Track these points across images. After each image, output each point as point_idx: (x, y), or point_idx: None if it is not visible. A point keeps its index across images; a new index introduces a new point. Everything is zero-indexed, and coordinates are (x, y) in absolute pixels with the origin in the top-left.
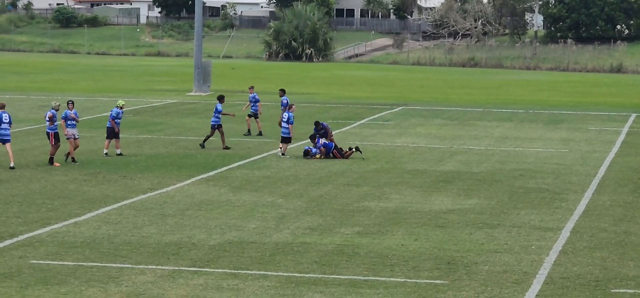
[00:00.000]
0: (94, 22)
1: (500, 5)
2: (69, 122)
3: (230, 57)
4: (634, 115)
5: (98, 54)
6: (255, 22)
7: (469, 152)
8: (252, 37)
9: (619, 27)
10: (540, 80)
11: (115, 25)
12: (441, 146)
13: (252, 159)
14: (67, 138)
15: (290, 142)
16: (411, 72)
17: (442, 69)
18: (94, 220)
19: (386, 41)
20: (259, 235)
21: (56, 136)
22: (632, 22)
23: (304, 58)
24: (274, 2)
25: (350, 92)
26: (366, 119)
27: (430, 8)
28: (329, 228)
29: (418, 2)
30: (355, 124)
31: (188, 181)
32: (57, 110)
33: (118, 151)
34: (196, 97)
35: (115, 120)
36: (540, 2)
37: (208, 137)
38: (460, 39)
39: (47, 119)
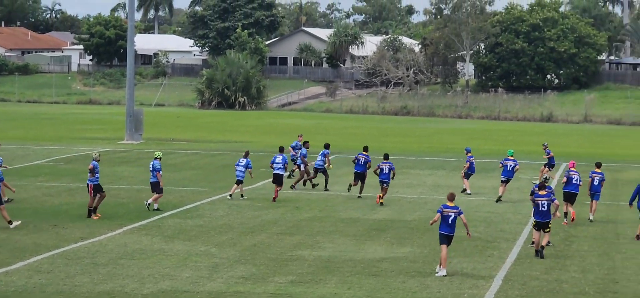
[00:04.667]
0: (25, 69)
1: (432, 54)
2: None
3: (163, 105)
4: (563, 163)
5: (29, 101)
6: (188, 70)
7: (402, 200)
8: (184, 85)
9: (548, 76)
10: (471, 128)
11: (46, 73)
12: (374, 195)
13: (185, 208)
14: None
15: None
16: (344, 120)
17: (375, 117)
18: (26, 269)
19: (319, 89)
20: (192, 284)
21: (96, 188)
22: (561, 71)
23: (237, 106)
24: (206, 50)
25: (283, 140)
26: None
27: (363, 57)
28: (263, 277)
29: (351, 51)
30: (288, 173)
31: (120, 230)
32: (98, 161)
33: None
34: (128, 145)
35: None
36: (471, 52)
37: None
38: (393, 88)
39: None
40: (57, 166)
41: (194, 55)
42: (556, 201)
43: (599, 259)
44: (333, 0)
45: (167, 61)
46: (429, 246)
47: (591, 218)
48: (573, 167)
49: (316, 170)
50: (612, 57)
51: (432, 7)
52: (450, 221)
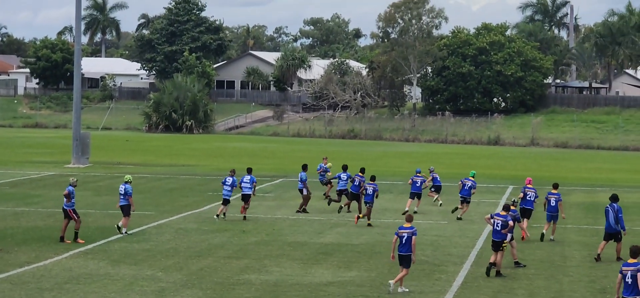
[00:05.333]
0: None
1: (379, 78)
2: None
3: (110, 128)
4: (511, 187)
5: None
6: (135, 94)
7: (349, 224)
8: (131, 108)
9: (495, 99)
10: (419, 152)
11: None
12: (321, 218)
13: (131, 231)
14: None
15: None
16: (291, 143)
17: (322, 141)
18: None
19: (266, 112)
20: None
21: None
22: (508, 95)
23: (184, 130)
24: (153, 74)
25: (230, 163)
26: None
27: (310, 80)
28: None
29: (298, 74)
30: (235, 197)
31: (66, 255)
32: (75, 186)
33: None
34: (74, 169)
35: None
36: (419, 75)
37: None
38: (340, 111)
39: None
40: (2, 190)
41: (141, 78)
42: (511, 223)
43: (546, 282)
44: (280, 23)
45: (114, 85)
46: (376, 270)
47: (552, 238)
48: (530, 184)
49: (342, 192)
50: (558, 81)
51: (379, 30)
52: (403, 241)
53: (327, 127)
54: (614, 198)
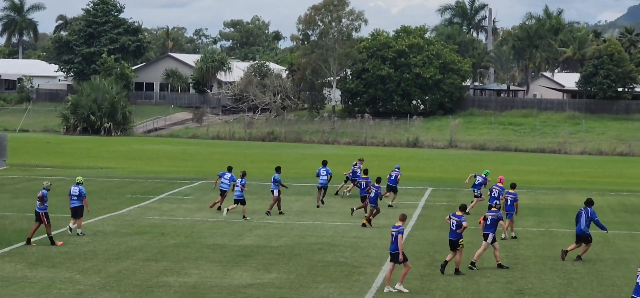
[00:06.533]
0: None
1: (299, 80)
2: None
3: (27, 131)
4: (430, 188)
5: None
6: (53, 96)
7: (269, 226)
8: (49, 110)
9: (414, 102)
10: (338, 154)
11: None
12: (240, 221)
13: (52, 234)
14: None
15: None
16: (211, 146)
17: (242, 143)
18: None
19: (186, 114)
20: None
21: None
22: (427, 97)
23: (103, 132)
24: (71, 76)
25: (149, 166)
26: (165, 194)
27: (230, 82)
28: None
29: (218, 77)
30: (154, 199)
31: None
32: (48, 190)
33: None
34: None
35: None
36: (338, 78)
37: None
38: (260, 113)
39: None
40: None
41: (59, 80)
42: (465, 223)
43: (463, 283)
44: (200, 25)
45: (31, 86)
46: (296, 272)
47: (514, 235)
48: (500, 183)
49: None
50: (476, 84)
51: (299, 33)
52: (392, 239)
53: (246, 129)
54: (589, 203)
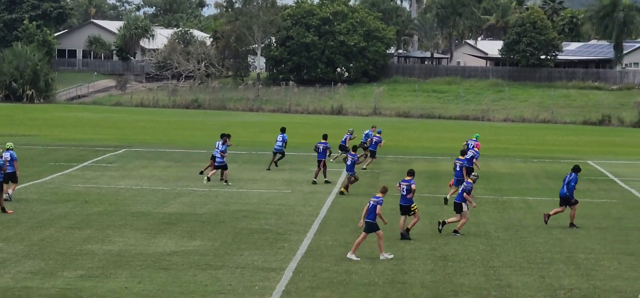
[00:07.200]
0: None
1: (223, 48)
2: None
3: None
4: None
5: None
6: None
7: (193, 194)
8: None
9: (339, 69)
10: (263, 122)
11: None
12: (165, 188)
13: None
14: None
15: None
16: (135, 113)
17: (166, 111)
18: None
19: (109, 82)
20: None
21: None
22: (351, 65)
23: (25, 99)
24: None
25: (72, 134)
26: (89, 162)
27: (154, 49)
28: (52, 272)
29: (141, 44)
30: (78, 167)
31: None
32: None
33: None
34: None
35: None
36: (263, 45)
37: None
38: (184, 81)
39: None
40: None
41: None
42: (414, 186)
43: (388, 251)
44: None
45: None
46: (220, 239)
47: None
48: (477, 148)
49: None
50: (400, 51)
51: (223, 0)
52: (369, 208)
53: (170, 97)
54: (575, 169)
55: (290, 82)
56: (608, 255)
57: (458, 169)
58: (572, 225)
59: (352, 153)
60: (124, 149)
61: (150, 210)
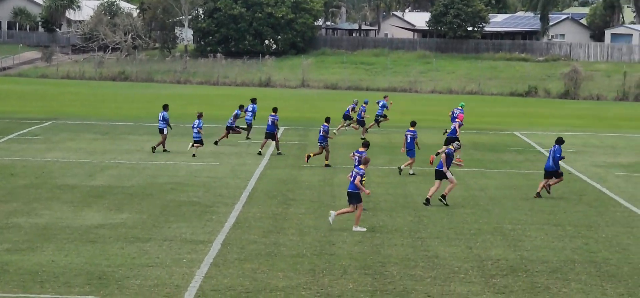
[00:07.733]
0: None
1: (150, 19)
2: None
3: None
4: (282, 128)
5: None
6: None
7: (121, 166)
8: None
9: (266, 42)
10: (191, 94)
11: None
12: (92, 161)
13: None
14: None
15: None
16: (61, 86)
17: (92, 83)
18: None
19: (35, 54)
20: None
21: None
22: (279, 37)
23: None
24: None
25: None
26: (15, 134)
27: (80, 21)
28: None
29: (67, 15)
30: (3, 140)
31: None
32: None
33: None
34: None
35: None
36: (190, 17)
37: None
38: (111, 53)
39: None
40: None
41: None
42: (366, 156)
43: (316, 222)
44: None
45: None
46: (148, 212)
47: (411, 171)
48: (460, 119)
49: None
50: (328, 23)
51: None
52: (351, 179)
53: (97, 69)
54: (558, 141)
55: (218, 55)
56: (534, 225)
57: (409, 140)
58: (538, 194)
59: (325, 124)
60: (50, 122)
61: (77, 183)
